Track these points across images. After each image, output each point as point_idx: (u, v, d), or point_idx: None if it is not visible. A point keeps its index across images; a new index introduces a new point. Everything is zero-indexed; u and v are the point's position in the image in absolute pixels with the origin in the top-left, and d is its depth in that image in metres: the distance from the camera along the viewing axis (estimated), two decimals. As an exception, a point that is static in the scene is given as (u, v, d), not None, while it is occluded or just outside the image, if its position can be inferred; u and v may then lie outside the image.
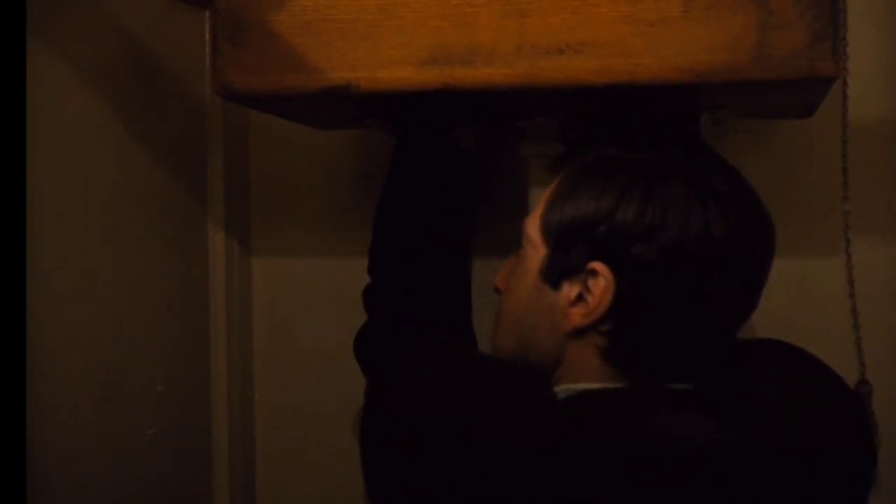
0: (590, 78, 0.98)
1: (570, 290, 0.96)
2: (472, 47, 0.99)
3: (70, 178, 1.10)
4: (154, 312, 1.28)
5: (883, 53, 1.30)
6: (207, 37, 1.35)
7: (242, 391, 1.47)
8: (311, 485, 1.49)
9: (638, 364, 0.95)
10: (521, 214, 1.23)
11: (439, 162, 1.24)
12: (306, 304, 1.49)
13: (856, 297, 1.31)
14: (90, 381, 1.14)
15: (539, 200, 1.19)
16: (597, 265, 0.93)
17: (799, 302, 1.33)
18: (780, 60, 0.95)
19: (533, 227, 1.01)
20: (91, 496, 1.13)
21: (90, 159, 1.14)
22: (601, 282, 0.92)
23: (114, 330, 1.18)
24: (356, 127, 1.31)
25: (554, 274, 0.97)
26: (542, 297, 0.99)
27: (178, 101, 1.34)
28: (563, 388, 0.96)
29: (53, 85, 1.07)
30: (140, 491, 1.23)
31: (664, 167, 0.94)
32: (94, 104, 1.14)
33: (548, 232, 0.99)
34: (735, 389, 0.94)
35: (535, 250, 1.00)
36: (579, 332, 0.95)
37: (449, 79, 1.00)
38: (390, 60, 1.01)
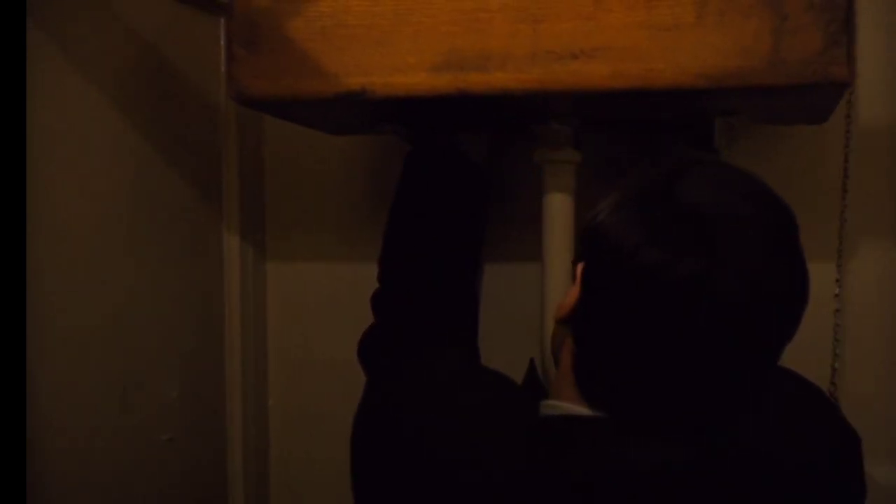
0: (604, 83, 0.98)
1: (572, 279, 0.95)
2: (486, 52, 1.00)
3: (85, 184, 1.10)
4: (169, 318, 1.28)
5: (889, 59, 1.29)
6: (222, 42, 1.35)
7: (257, 396, 1.47)
8: (325, 490, 1.49)
9: (595, 389, 0.89)
10: (534, 220, 1.23)
11: (447, 171, 1.25)
12: (321, 309, 1.49)
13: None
14: (105, 386, 1.14)
15: (551, 205, 1.20)
16: (579, 263, 0.91)
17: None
18: (794, 65, 0.95)
19: None
20: (107, 501, 1.14)
21: (105, 164, 1.14)
22: (576, 278, 0.91)
23: (129, 336, 1.19)
24: (370, 132, 1.31)
25: (574, 260, 0.97)
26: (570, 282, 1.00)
27: (192, 106, 1.34)
28: (549, 405, 0.93)
29: (67, 90, 1.08)
30: (155, 496, 1.23)
31: (685, 190, 0.86)
32: (109, 110, 1.15)
33: None
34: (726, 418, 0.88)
35: None
36: (564, 328, 0.93)
37: (463, 84, 1.01)
38: (405, 66, 1.01)
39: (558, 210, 1.19)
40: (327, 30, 1.03)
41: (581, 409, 0.89)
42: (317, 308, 1.49)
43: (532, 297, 1.28)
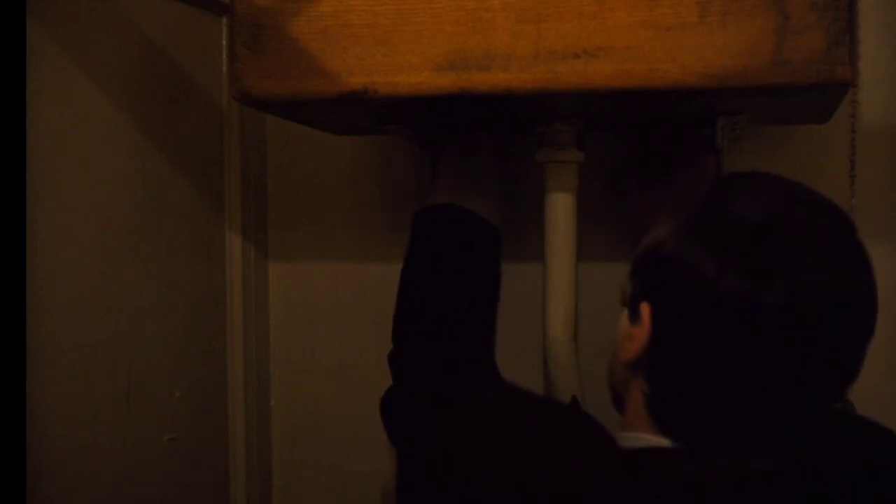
0: (607, 83, 0.98)
1: (628, 320, 0.92)
2: (489, 52, 1.00)
3: (87, 183, 1.10)
4: (171, 318, 1.28)
5: (893, 59, 1.29)
6: (225, 42, 1.35)
7: (259, 396, 1.47)
8: (328, 490, 1.49)
9: (674, 423, 0.88)
10: (538, 220, 1.23)
11: (459, 231, 1.23)
12: (323, 309, 1.49)
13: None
14: (108, 387, 1.14)
15: (554, 205, 1.20)
16: (644, 303, 0.88)
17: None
18: (797, 65, 0.95)
19: None
20: (108, 501, 1.14)
21: (106, 164, 1.14)
22: (643, 320, 0.88)
23: (131, 336, 1.19)
24: (374, 133, 1.31)
25: (626, 300, 0.94)
26: (622, 321, 0.95)
27: (195, 105, 1.34)
28: (629, 437, 0.90)
29: (68, 90, 1.08)
30: (157, 496, 1.24)
31: (744, 207, 0.84)
32: (111, 109, 1.15)
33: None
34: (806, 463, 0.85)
35: None
36: (633, 370, 0.91)
37: (466, 83, 1.00)
38: (408, 65, 1.01)
39: (561, 210, 1.19)
40: (330, 29, 1.03)
41: (662, 441, 0.88)
42: (319, 308, 1.50)
43: (534, 297, 1.28)
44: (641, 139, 1.37)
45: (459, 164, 1.31)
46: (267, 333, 1.50)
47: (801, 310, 0.80)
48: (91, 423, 1.11)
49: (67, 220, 1.07)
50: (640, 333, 0.88)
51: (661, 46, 0.97)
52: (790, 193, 0.87)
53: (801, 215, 0.84)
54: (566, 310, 1.20)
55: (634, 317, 0.90)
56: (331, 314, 1.49)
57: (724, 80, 0.96)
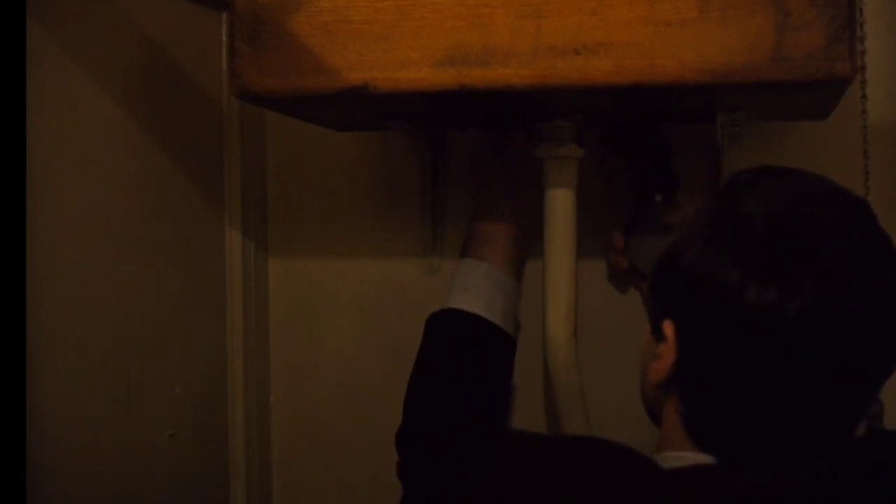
0: (607, 78, 0.98)
1: (653, 340, 0.90)
2: (488, 48, 1.00)
3: (86, 180, 1.10)
4: (171, 314, 1.28)
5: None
6: (225, 38, 1.35)
7: (259, 392, 1.47)
8: (328, 485, 1.49)
9: (713, 440, 0.85)
10: (537, 216, 1.23)
11: (472, 340, 1.22)
12: (323, 306, 1.49)
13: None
14: (108, 383, 1.14)
15: (554, 201, 1.20)
16: (666, 321, 0.86)
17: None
18: (797, 62, 0.95)
19: None
20: (108, 497, 1.14)
21: (106, 160, 1.14)
22: (668, 338, 0.86)
23: (131, 332, 1.19)
24: (374, 129, 1.31)
25: (650, 318, 0.92)
26: (647, 341, 0.93)
27: (194, 102, 1.34)
28: (669, 456, 0.87)
29: (68, 86, 1.08)
30: (157, 491, 1.24)
31: (760, 210, 0.83)
32: (111, 107, 1.15)
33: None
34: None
35: None
36: (664, 390, 0.88)
37: (466, 79, 1.00)
38: (408, 61, 1.01)
39: (561, 206, 1.19)
40: (330, 25, 1.03)
41: (705, 458, 0.85)
42: (319, 305, 1.50)
43: (534, 293, 1.28)
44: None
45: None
46: (267, 330, 1.50)
47: (831, 314, 0.78)
48: (91, 419, 1.11)
49: (67, 217, 1.07)
50: (667, 352, 0.86)
51: (661, 42, 0.97)
52: (804, 189, 0.85)
53: (819, 213, 0.82)
54: (566, 307, 1.20)
55: (658, 334, 0.88)
56: (331, 311, 1.49)
57: (723, 76, 0.96)
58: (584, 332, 1.26)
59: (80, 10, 1.10)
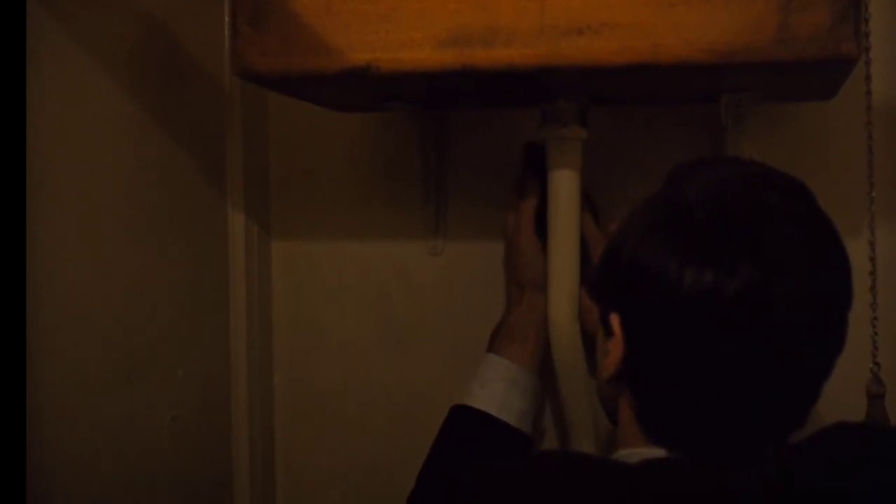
0: (611, 59, 0.97)
1: (603, 336, 0.90)
2: (492, 28, 0.99)
3: (87, 162, 1.10)
4: (174, 297, 1.28)
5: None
6: (227, 19, 1.34)
7: (262, 375, 1.47)
8: (331, 468, 1.50)
9: (665, 433, 0.85)
10: (540, 197, 1.23)
11: (484, 442, 1.20)
12: (326, 288, 1.49)
13: (877, 290, 1.18)
14: (111, 366, 1.14)
15: (558, 182, 1.19)
16: (612, 314, 0.86)
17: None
18: (802, 42, 0.94)
19: None
20: (112, 478, 1.14)
21: (107, 142, 1.14)
22: (615, 332, 0.86)
23: (134, 315, 1.19)
24: (377, 110, 1.31)
25: (599, 314, 0.91)
26: (599, 338, 0.93)
27: (196, 83, 1.34)
28: (622, 454, 0.88)
29: (69, 68, 1.07)
30: (159, 474, 1.24)
31: (698, 197, 0.82)
32: (111, 88, 1.14)
33: None
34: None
35: None
36: (617, 386, 0.88)
37: (469, 60, 1.00)
38: (411, 41, 1.01)
39: (564, 188, 1.18)
40: (332, 5, 1.03)
41: (658, 451, 0.85)
42: (322, 287, 1.49)
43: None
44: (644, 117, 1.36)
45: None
46: (270, 312, 1.50)
47: (771, 293, 0.77)
48: (94, 402, 1.11)
49: (68, 200, 1.06)
50: (615, 346, 0.86)
51: (665, 22, 0.96)
52: (742, 175, 0.85)
53: (757, 197, 0.81)
54: (569, 290, 1.19)
55: (606, 329, 0.88)
56: (334, 293, 1.49)
57: (728, 56, 0.95)
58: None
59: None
